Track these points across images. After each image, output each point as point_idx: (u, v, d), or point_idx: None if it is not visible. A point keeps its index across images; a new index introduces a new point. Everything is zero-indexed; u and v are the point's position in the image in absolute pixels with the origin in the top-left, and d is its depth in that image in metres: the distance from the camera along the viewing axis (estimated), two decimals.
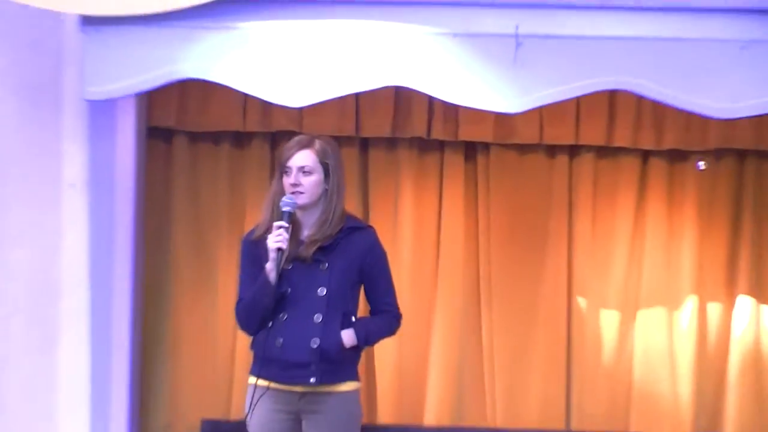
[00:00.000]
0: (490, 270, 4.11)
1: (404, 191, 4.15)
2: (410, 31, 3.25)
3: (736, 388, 4.04)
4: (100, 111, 3.62)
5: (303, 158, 3.12)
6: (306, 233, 3.15)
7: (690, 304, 4.01)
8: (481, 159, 4.10)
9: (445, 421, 4.10)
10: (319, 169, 3.15)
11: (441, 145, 4.06)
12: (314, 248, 3.11)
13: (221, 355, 4.11)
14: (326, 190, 3.16)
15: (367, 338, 3.26)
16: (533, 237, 4.11)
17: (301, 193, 3.11)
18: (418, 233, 4.12)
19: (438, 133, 3.96)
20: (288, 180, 3.13)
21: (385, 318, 3.31)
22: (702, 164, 4.01)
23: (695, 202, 4.03)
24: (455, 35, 3.22)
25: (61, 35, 3.66)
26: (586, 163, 4.05)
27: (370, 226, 3.38)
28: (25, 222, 3.71)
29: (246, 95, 3.54)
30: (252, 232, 3.28)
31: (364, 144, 4.08)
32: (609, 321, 4.06)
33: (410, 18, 3.26)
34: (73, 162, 3.72)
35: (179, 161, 4.15)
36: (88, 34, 3.41)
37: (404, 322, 3.39)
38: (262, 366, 3.17)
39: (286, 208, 3.08)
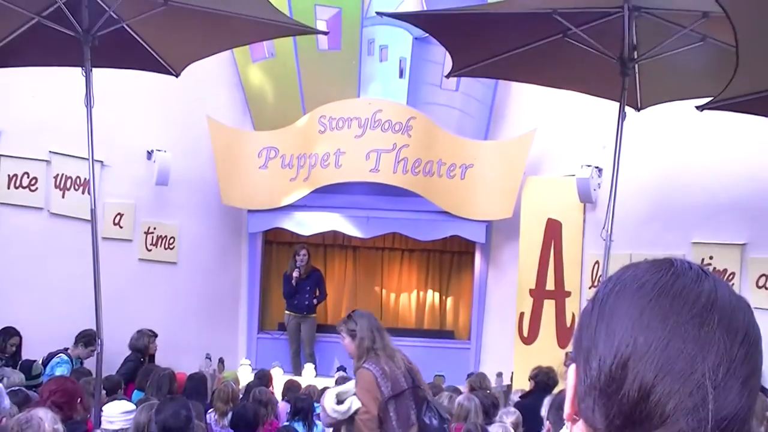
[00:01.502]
0: (359, 286, 11.39)
1: (336, 263, 11.44)
2: (335, 216, 10.42)
3: (428, 321, 11.54)
4: (253, 236, 10.75)
5: (304, 251, 10.61)
6: (302, 271, 10.77)
7: (415, 293, 11.37)
8: (357, 252, 11.39)
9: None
10: (308, 254, 10.64)
11: (346, 247, 11.34)
12: (305, 275, 10.59)
13: (281, 305, 11.04)
14: (308, 259, 10.84)
15: (319, 302, 10.85)
16: (371, 277, 11.39)
17: (302, 260, 10.74)
18: (339, 275, 11.37)
19: (346, 243, 11.23)
20: (298, 257, 10.51)
21: (323, 296, 10.74)
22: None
23: (416, 264, 11.34)
24: (350, 216, 10.47)
25: (243, 212, 11.00)
26: (387, 254, 11.38)
27: (319, 269, 10.73)
28: (228, 268, 10.70)
29: (292, 232, 10.63)
30: (287, 271, 10.70)
31: (324, 247, 11.40)
32: (393, 298, 11.38)
33: (336, 213, 10.56)
34: (245, 251, 10.97)
35: (275, 252, 11.27)
36: (251, 212, 10.52)
37: (334, 296, 10.90)
38: (291, 309, 10.51)
39: (300, 264, 10.72)
